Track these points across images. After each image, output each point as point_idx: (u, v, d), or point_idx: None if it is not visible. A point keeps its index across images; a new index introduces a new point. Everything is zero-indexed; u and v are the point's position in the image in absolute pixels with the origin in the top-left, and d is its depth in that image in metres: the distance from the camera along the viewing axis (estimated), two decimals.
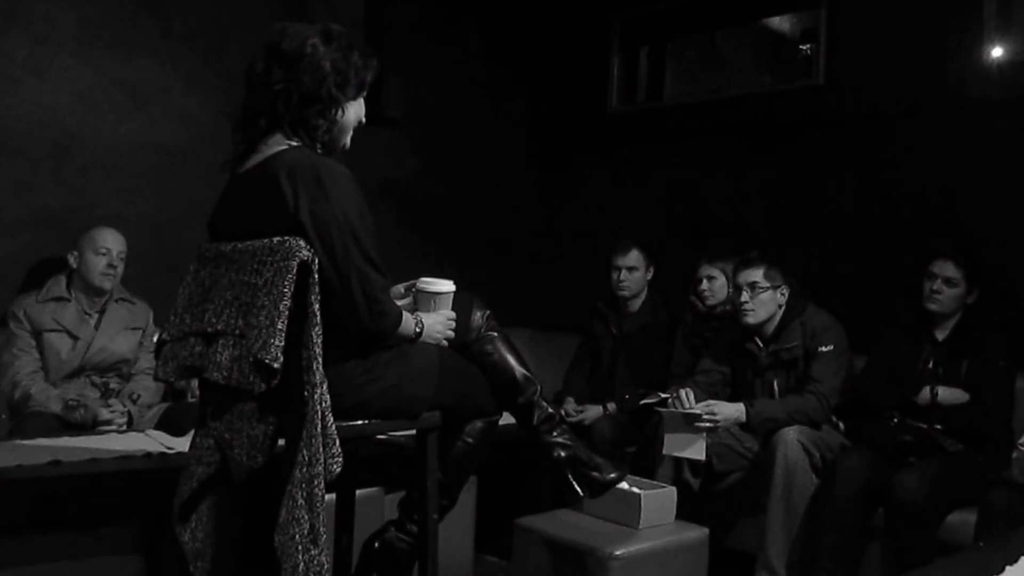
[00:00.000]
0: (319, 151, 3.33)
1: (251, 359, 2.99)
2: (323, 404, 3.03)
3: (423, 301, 3.66)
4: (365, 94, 3.49)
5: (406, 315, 3.45)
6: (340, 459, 3.06)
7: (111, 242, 5.46)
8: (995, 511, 4.49)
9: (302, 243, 3.06)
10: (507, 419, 3.97)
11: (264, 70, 3.33)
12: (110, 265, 5.41)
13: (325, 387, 3.05)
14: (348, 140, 3.49)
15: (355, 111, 3.47)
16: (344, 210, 3.16)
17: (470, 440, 3.86)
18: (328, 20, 3.43)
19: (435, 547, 3.67)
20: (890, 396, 5.25)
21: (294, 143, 3.29)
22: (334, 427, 3.05)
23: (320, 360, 3.03)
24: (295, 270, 3.01)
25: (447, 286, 3.69)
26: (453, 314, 3.70)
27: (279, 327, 2.96)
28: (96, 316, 5.49)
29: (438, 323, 3.62)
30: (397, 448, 4.30)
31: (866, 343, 5.58)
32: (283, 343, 2.95)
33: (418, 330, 3.49)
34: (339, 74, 3.35)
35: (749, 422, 5.30)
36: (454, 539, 5.07)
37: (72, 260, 5.42)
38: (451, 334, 3.67)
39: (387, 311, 3.30)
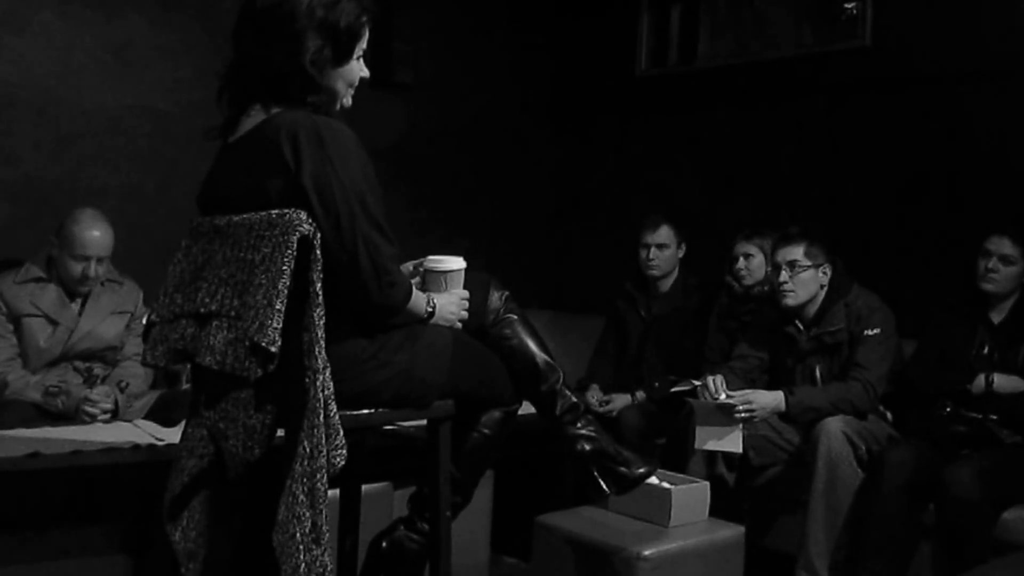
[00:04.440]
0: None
1: (247, 342, 2.98)
2: (325, 391, 3.02)
3: (433, 281, 3.64)
4: (363, 50, 3.45)
5: (418, 293, 3.44)
6: (344, 451, 3.04)
7: (92, 248, 5.31)
8: None
9: (303, 215, 3.04)
10: (526, 408, 3.96)
11: (251, 48, 3.32)
12: (86, 276, 5.31)
13: (328, 373, 3.03)
14: (349, 99, 3.47)
15: (347, 74, 3.43)
16: (350, 173, 3.14)
17: (487, 431, 3.84)
18: None
19: (448, 547, 3.66)
20: (942, 383, 5.24)
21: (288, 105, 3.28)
22: (337, 416, 3.04)
23: (322, 344, 3.01)
24: (295, 245, 2.99)
25: (458, 263, 3.67)
26: (466, 293, 3.69)
27: (277, 307, 2.94)
28: (79, 300, 5.45)
29: (451, 303, 3.60)
30: (407, 439, 4.30)
31: (916, 326, 5.57)
32: (281, 325, 2.94)
33: (430, 310, 3.48)
34: (333, 40, 3.32)
35: (789, 412, 5.29)
36: (469, 538, 5.06)
37: (51, 247, 5.35)
38: (465, 315, 3.65)
39: (397, 281, 3.27)
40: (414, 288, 3.43)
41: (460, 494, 3.91)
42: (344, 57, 3.38)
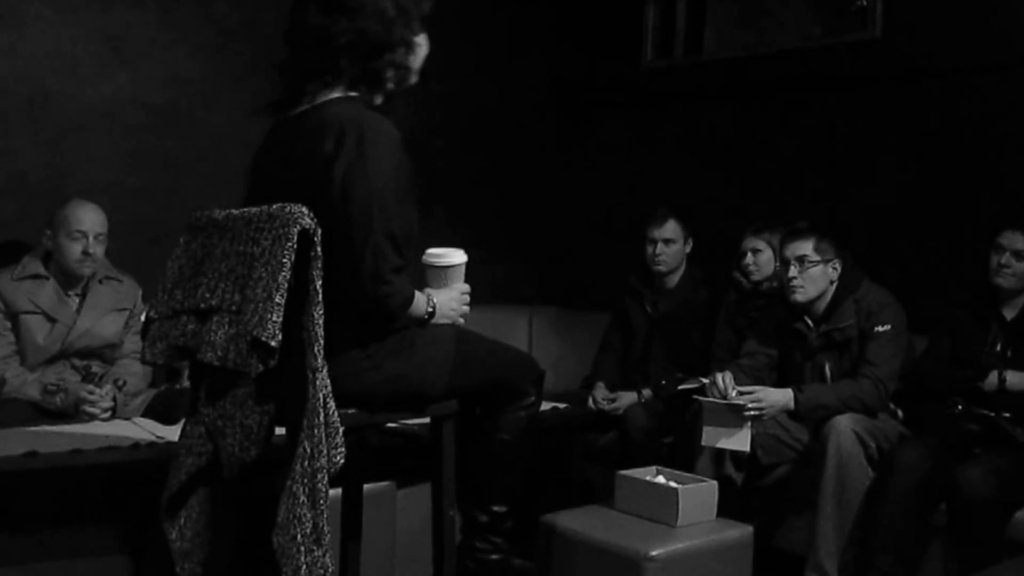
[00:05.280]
0: (381, 101, 3.43)
1: (248, 338, 2.97)
2: (324, 390, 3.02)
3: (433, 276, 3.62)
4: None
5: (418, 296, 3.43)
6: (343, 450, 3.04)
7: (87, 223, 5.33)
8: None
9: (304, 210, 3.04)
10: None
11: (322, 24, 3.35)
12: (85, 252, 5.29)
13: (326, 371, 3.03)
14: (416, 78, 3.57)
15: (423, 49, 3.54)
16: (380, 174, 3.19)
17: (506, 436, 3.77)
18: None
19: (452, 546, 3.67)
20: (953, 381, 5.23)
21: (351, 94, 3.36)
22: (336, 415, 3.04)
23: (321, 341, 3.01)
24: (295, 238, 2.99)
25: (459, 257, 3.66)
26: (467, 287, 3.68)
27: (277, 301, 2.94)
28: (77, 298, 5.44)
29: (452, 300, 3.60)
30: (409, 438, 4.29)
31: (927, 323, 5.56)
32: (281, 319, 2.94)
33: (430, 310, 3.47)
34: (404, 13, 3.40)
35: (798, 410, 5.28)
36: None
37: (46, 241, 5.35)
38: (466, 310, 3.65)
39: (395, 291, 3.26)
40: (416, 293, 3.41)
41: (484, 512, 3.84)
42: (411, 30, 3.48)
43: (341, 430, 3.05)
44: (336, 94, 3.37)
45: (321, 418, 2.99)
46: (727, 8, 7.63)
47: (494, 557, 3.83)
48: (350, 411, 3.27)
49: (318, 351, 3.00)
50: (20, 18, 5.78)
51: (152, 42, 6.24)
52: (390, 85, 3.44)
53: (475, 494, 3.78)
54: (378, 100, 3.45)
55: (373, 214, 3.14)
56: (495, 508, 3.81)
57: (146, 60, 6.22)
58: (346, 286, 3.18)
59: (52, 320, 5.33)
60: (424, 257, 3.64)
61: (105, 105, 6.08)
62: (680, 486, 4.64)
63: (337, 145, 3.17)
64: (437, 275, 3.61)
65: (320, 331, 3.01)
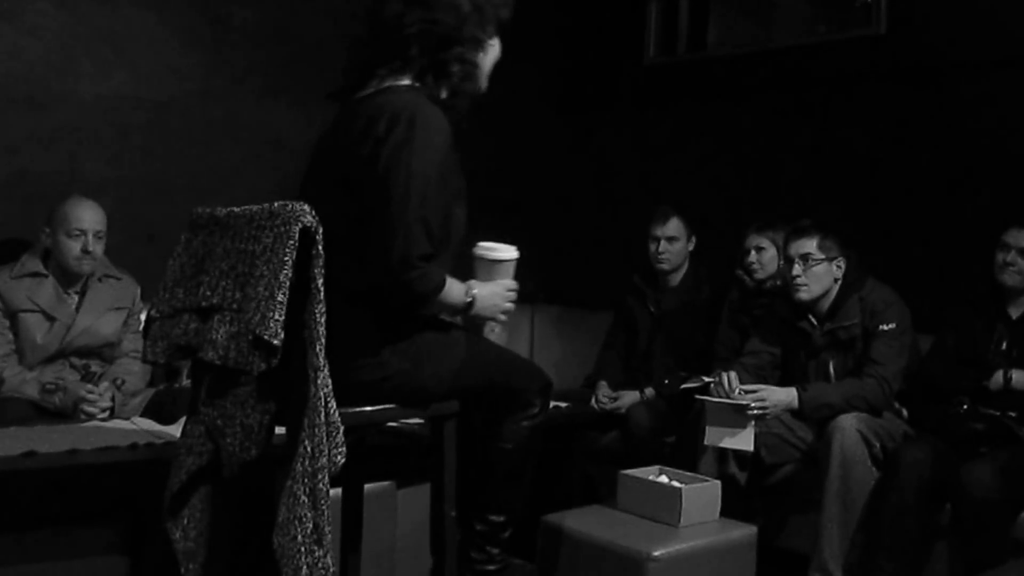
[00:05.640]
0: (446, 95, 3.48)
1: (250, 336, 2.97)
2: (325, 389, 3.02)
3: (480, 269, 3.60)
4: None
5: (454, 284, 3.42)
6: (343, 449, 3.04)
7: (86, 221, 5.32)
8: None
9: (305, 207, 3.05)
10: None
11: (397, 12, 3.42)
12: (84, 250, 5.28)
13: (327, 370, 3.03)
14: (485, 83, 3.63)
15: (494, 52, 3.61)
16: (424, 163, 3.24)
17: (507, 445, 3.72)
18: None
19: (453, 546, 3.66)
20: (959, 380, 5.23)
21: (416, 84, 3.44)
22: (337, 414, 3.03)
23: (323, 341, 3.01)
24: (297, 236, 2.99)
25: (508, 252, 3.64)
26: (514, 284, 3.66)
27: (279, 299, 2.94)
28: (76, 296, 5.44)
29: (495, 295, 3.58)
30: (410, 437, 4.29)
31: (932, 321, 5.55)
32: (283, 317, 2.94)
33: (468, 300, 3.46)
34: (479, 11, 3.48)
35: (802, 409, 5.27)
36: None
37: (44, 239, 5.34)
38: (511, 307, 3.62)
39: (422, 276, 3.25)
40: (449, 281, 3.40)
41: (482, 522, 3.79)
42: (484, 30, 3.55)
43: (342, 430, 3.05)
44: (403, 82, 3.44)
45: (322, 417, 2.99)
46: (730, 5, 7.63)
47: (490, 568, 3.80)
48: (351, 410, 3.27)
49: (319, 350, 3.00)
50: (20, 14, 5.78)
51: (152, 39, 6.24)
52: (456, 80, 3.50)
53: (472, 501, 3.75)
54: (443, 94, 3.51)
55: (411, 196, 3.19)
56: (492, 517, 3.77)
57: (146, 58, 6.22)
58: (376, 267, 3.20)
59: (51, 318, 5.32)
60: (474, 249, 3.63)
61: (104, 102, 6.08)
62: (683, 486, 4.64)
63: (389, 127, 3.25)
64: (484, 268, 3.59)
65: (322, 330, 3.01)
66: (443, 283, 3.35)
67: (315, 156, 3.57)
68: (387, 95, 3.37)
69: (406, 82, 3.44)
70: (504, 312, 3.61)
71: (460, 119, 3.52)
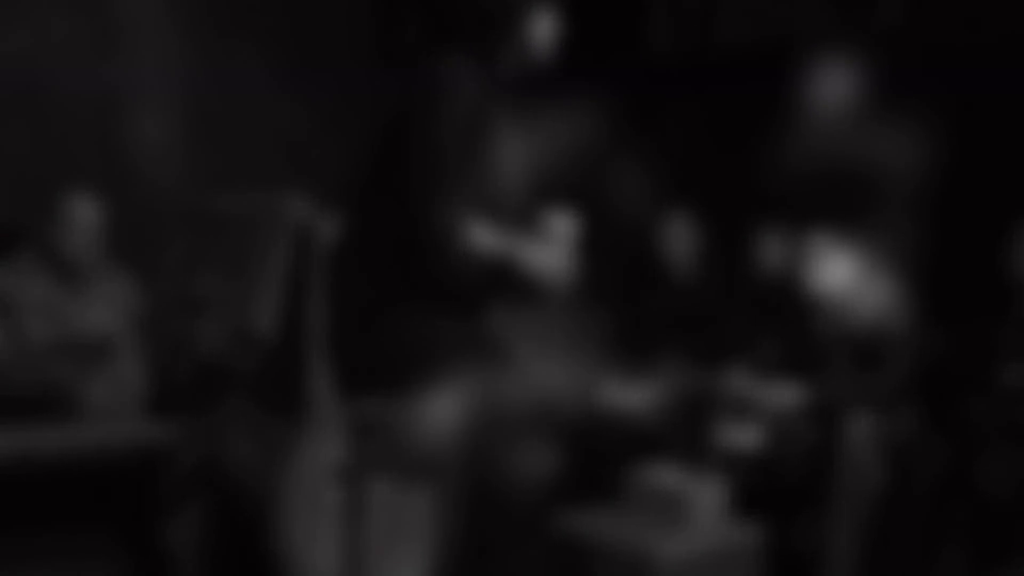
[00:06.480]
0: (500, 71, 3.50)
1: (243, 331, 2.97)
2: (327, 388, 3.01)
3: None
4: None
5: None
6: (344, 448, 3.03)
7: (83, 219, 5.36)
8: None
9: (302, 203, 3.03)
10: None
11: None
12: (81, 247, 5.33)
13: (328, 369, 3.02)
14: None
15: (547, 24, 3.62)
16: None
17: None
18: None
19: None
20: (973, 374, 5.21)
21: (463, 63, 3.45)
22: (337, 413, 3.02)
23: (321, 339, 3.00)
24: (291, 232, 2.98)
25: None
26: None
27: (271, 294, 2.93)
28: (71, 292, 5.44)
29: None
30: None
31: (945, 317, 5.53)
32: (275, 312, 2.93)
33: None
34: None
35: (811, 406, 5.26)
36: None
37: (41, 233, 5.35)
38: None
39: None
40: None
41: None
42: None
43: (342, 429, 3.03)
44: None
45: (323, 416, 2.98)
46: None
47: None
48: (351, 407, 3.26)
49: (319, 347, 2.99)
50: (11, 4, 5.77)
51: (150, 30, 6.23)
52: (508, 55, 3.51)
53: None
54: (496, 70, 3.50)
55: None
56: None
57: (143, 49, 6.22)
58: (421, 248, 3.19)
59: (45, 315, 5.32)
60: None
61: (99, 96, 6.08)
62: (691, 485, 4.63)
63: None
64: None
65: (320, 326, 3.00)
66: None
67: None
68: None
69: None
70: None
71: None
